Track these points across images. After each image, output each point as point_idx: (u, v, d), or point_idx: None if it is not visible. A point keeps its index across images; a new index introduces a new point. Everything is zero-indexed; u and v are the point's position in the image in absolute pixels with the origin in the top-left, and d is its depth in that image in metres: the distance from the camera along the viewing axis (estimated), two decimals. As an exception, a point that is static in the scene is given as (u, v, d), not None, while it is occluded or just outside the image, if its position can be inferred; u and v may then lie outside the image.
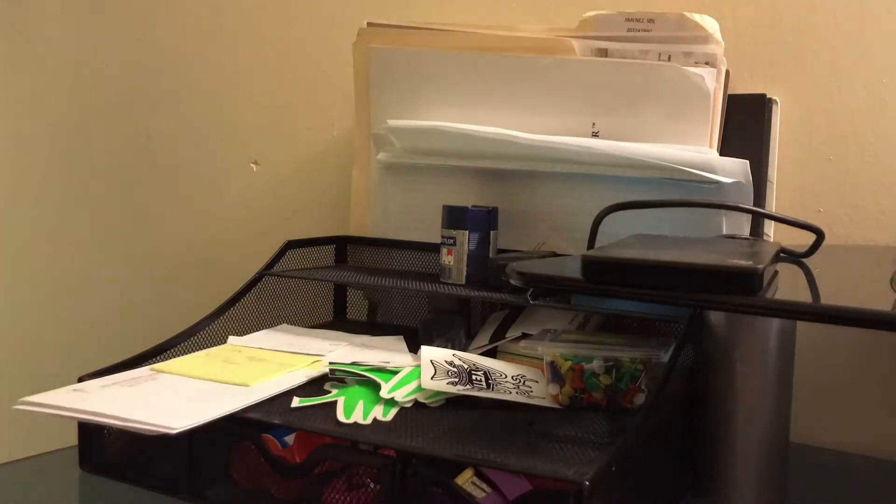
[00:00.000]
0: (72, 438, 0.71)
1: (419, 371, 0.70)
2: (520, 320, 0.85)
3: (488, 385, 0.68)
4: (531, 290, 0.75)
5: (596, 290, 0.56)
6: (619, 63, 0.86)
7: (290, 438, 0.67)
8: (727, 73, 0.85)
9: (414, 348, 0.88)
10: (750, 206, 0.80)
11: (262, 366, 0.74)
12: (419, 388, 0.67)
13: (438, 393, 0.68)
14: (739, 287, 0.50)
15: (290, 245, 0.97)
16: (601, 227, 0.69)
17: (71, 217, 1.46)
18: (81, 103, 1.43)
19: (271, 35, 1.23)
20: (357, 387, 0.70)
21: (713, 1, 0.90)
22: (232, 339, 0.84)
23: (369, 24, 0.98)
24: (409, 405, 0.66)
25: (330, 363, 0.74)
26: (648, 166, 0.81)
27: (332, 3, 1.17)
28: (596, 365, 0.67)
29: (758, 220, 0.84)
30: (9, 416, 1.49)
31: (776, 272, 0.58)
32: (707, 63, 0.83)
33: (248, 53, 1.25)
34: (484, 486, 0.58)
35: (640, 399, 0.67)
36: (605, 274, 0.54)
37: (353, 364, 0.74)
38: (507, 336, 0.82)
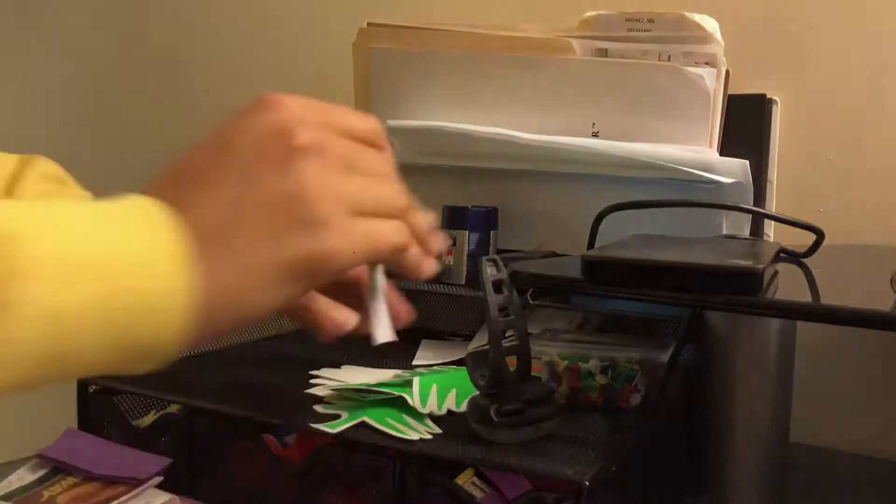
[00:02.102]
0: (72, 438, 0.71)
1: (437, 378, 0.68)
2: (520, 320, 0.84)
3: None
4: (531, 290, 0.75)
5: (596, 290, 0.56)
6: (619, 63, 0.86)
7: (290, 438, 0.67)
8: (727, 73, 0.85)
9: (413, 351, 0.88)
10: (750, 206, 0.80)
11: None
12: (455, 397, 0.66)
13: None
14: (739, 287, 0.50)
15: (290, 245, 0.96)
16: (601, 227, 0.69)
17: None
18: (79, 104, 1.43)
19: (271, 35, 1.22)
20: (366, 406, 0.65)
21: (713, 1, 0.89)
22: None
23: (369, 24, 0.98)
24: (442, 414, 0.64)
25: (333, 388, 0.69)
26: (648, 166, 0.81)
27: (332, 3, 1.17)
28: (592, 365, 0.67)
29: (758, 220, 0.84)
30: (9, 416, 1.49)
31: (776, 272, 0.58)
32: (707, 63, 0.83)
33: (247, 53, 1.25)
34: (484, 486, 0.58)
35: (636, 399, 0.67)
36: (605, 274, 0.54)
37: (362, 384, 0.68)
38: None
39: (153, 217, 0.30)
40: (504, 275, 0.59)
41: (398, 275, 0.39)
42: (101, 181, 1.45)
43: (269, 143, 0.33)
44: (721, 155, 0.83)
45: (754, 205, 0.82)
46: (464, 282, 0.86)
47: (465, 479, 0.57)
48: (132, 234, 0.29)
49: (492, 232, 0.87)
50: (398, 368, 0.77)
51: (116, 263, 0.28)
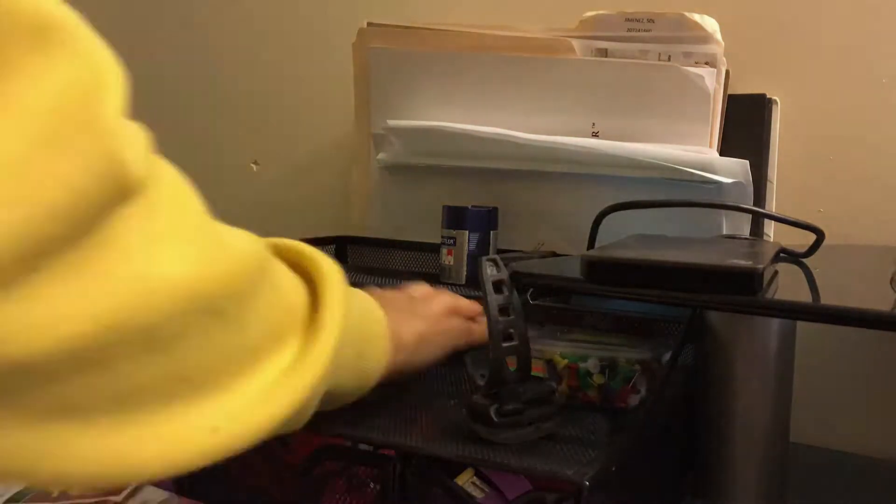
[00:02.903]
0: (72, 438, 0.71)
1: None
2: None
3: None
4: (531, 290, 0.75)
5: (596, 290, 0.56)
6: (619, 63, 0.86)
7: (290, 438, 0.67)
8: (727, 73, 0.85)
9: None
10: (750, 206, 0.80)
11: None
12: None
13: None
14: (739, 287, 0.50)
15: (290, 245, 0.96)
16: (601, 227, 0.69)
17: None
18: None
19: (271, 35, 1.22)
20: None
21: (713, 1, 0.90)
22: None
23: (369, 24, 0.98)
24: None
25: None
26: (648, 166, 0.81)
27: (332, 3, 1.17)
28: (591, 364, 0.67)
29: (758, 220, 0.84)
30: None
31: (776, 272, 0.58)
32: (707, 63, 0.83)
33: (247, 53, 1.25)
34: (484, 486, 0.58)
35: (634, 400, 0.67)
36: (605, 274, 0.54)
37: None
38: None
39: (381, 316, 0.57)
40: (504, 275, 0.59)
41: None
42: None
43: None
44: (721, 155, 0.83)
45: (754, 205, 0.82)
46: (464, 282, 0.86)
47: (465, 479, 0.57)
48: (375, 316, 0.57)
49: (492, 232, 0.87)
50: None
51: (367, 326, 0.55)
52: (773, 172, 0.87)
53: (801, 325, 0.68)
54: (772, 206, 0.87)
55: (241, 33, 1.25)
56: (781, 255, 0.65)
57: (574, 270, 0.56)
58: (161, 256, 0.33)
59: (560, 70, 0.88)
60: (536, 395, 0.60)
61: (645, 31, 0.85)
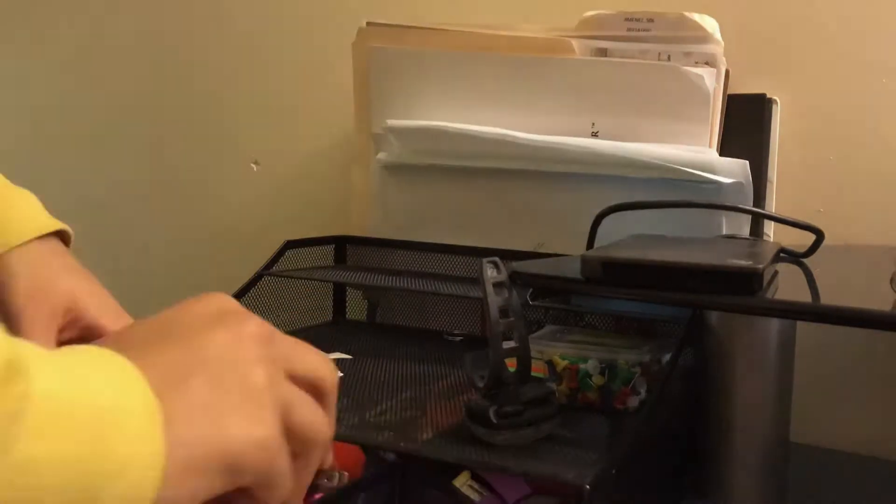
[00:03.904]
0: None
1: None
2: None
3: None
4: (531, 290, 0.75)
5: (596, 291, 0.56)
6: (619, 63, 0.86)
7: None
8: (727, 73, 0.84)
9: (417, 349, 0.88)
10: (750, 207, 0.80)
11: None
12: None
13: None
14: (739, 287, 0.50)
15: (290, 245, 0.97)
16: (601, 227, 0.69)
17: (71, 219, 1.46)
18: (81, 104, 1.43)
19: (271, 35, 1.22)
20: None
21: (713, 1, 0.89)
22: None
23: (369, 24, 0.98)
24: None
25: None
26: (648, 166, 0.81)
27: (332, 2, 1.17)
28: (591, 365, 0.67)
29: (758, 220, 0.84)
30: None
31: (776, 272, 0.58)
32: (707, 63, 0.83)
33: (248, 53, 1.25)
34: (482, 489, 0.57)
35: (633, 401, 0.67)
36: (605, 274, 0.54)
37: None
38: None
39: (128, 370, 0.28)
40: (504, 276, 0.59)
41: None
42: (104, 187, 1.43)
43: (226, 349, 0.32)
44: (721, 155, 0.82)
45: (754, 205, 0.82)
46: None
47: (462, 482, 0.57)
48: (113, 385, 0.27)
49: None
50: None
51: (100, 416, 0.26)
52: (773, 172, 0.87)
53: (801, 325, 0.68)
54: (772, 206, 0.87)
55: (241, 33, 1.25)
56: (781, 255, 0.65)
57: (574, 270, 0.56)
58: None
59: (560, 70, 0.88)
60: (536, 396, 0.59)
61: (645, 31, 0.85)
